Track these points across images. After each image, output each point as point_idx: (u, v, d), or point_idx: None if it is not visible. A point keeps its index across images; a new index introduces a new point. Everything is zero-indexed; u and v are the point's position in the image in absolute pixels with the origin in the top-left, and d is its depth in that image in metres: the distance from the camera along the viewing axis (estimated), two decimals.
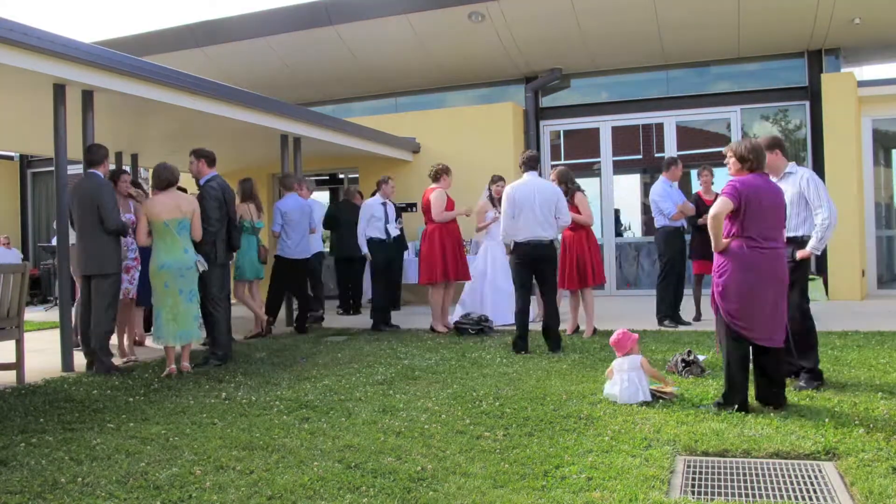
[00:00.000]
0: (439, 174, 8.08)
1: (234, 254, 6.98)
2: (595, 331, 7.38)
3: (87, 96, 6.33)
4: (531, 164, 6.75)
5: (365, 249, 8.50)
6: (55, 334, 7.15)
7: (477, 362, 5.97)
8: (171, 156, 11.07)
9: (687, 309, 8.23)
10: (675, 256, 7.97)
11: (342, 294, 10.61)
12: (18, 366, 5.60)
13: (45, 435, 4.01)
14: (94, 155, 6.10)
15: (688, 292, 8.50)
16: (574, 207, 7.26)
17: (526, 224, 6.51)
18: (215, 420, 4.26)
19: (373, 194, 9.09)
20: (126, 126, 8.55)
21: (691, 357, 5.24)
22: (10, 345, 5.65)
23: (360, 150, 10.86)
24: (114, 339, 6.67)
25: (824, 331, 7.04)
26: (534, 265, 6.60)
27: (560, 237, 7.46)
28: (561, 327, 7.04)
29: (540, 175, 6.86)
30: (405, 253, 10.55)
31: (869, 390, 4.56)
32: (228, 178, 12.86)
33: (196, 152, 6.48)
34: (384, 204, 8.72)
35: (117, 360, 6.37)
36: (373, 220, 8.57)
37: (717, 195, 8.06)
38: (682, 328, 7.74)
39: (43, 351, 7.14)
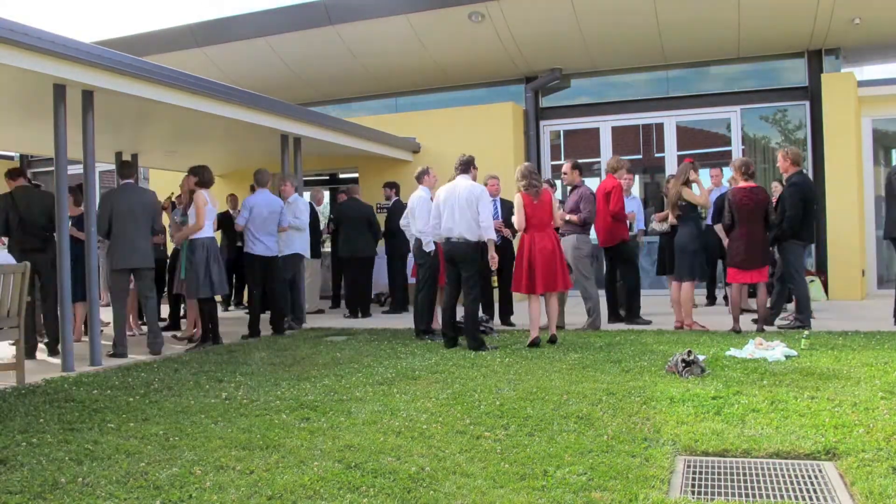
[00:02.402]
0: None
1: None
2: (555, 338, 6.84)
3: (87, 96, 6.32)
4: (463, 167, 7.03)
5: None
6: None
7: (477, 362, 5.97)
8: (171, 156, 11.09)
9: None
10: None
11: (350, 296, 10.05)
12: (18, 366, 5.60)
13: (45, 435, 4.00)
14: (129, 168, 7.42)
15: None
16: (548, 204, 6.91)
17: (447, 223, 6.82)
18: (215, 420, 4.26)
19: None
20: (126, 126, 8.54)
21: (691, 357, 5.24)
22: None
23: (360, 150, 10.85)
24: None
25: (824, 331, 7.07)
26: (454, 263, 6.88)
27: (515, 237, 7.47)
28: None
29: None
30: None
31: (869, 390, 4.56)
32: (228, 178, 12.96)
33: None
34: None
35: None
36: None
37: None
38: None
39: (43, 351, 7.15)
